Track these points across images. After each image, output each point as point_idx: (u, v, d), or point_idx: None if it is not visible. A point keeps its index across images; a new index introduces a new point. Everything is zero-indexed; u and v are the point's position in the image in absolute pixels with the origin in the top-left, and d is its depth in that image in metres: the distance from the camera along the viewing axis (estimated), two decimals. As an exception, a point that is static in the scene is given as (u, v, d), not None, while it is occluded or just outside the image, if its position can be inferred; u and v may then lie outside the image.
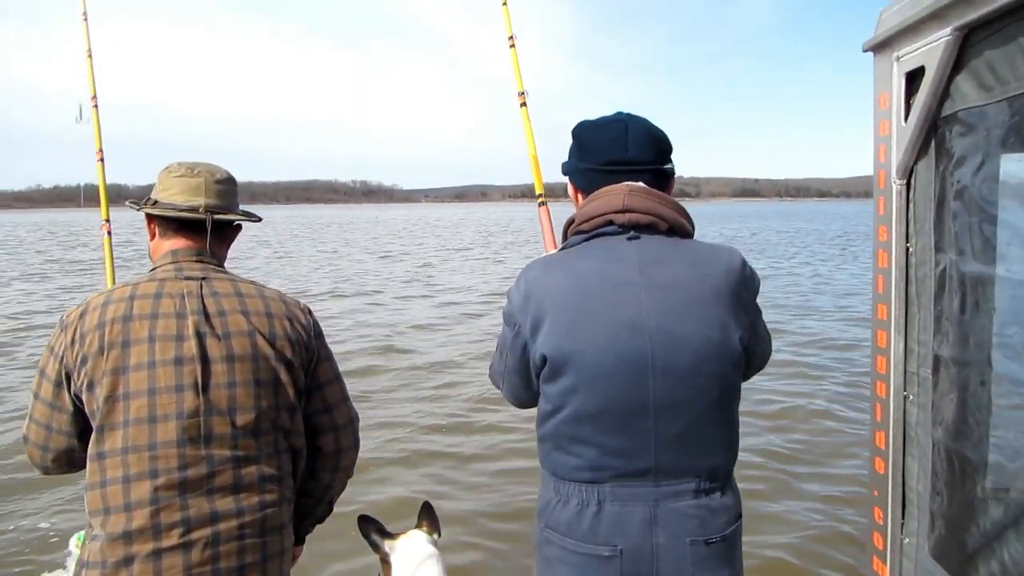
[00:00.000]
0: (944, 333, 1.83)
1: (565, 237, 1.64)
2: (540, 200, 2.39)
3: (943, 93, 1.80)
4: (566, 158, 1.70)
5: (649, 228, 1.51)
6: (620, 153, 1.55)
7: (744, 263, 1.56)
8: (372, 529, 2.17)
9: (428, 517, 2.31)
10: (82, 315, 1.66)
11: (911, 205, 1.93)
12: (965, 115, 1.77)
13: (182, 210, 1.77)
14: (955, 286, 1.80)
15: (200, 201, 1.78)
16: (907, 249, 1.94)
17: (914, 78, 1.89)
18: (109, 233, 2.84)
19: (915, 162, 1.90)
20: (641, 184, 1.54)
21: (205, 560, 1.55)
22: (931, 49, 1.78)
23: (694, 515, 1.48)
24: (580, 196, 1.65)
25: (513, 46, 2.68)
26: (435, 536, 2.22)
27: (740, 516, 1.57)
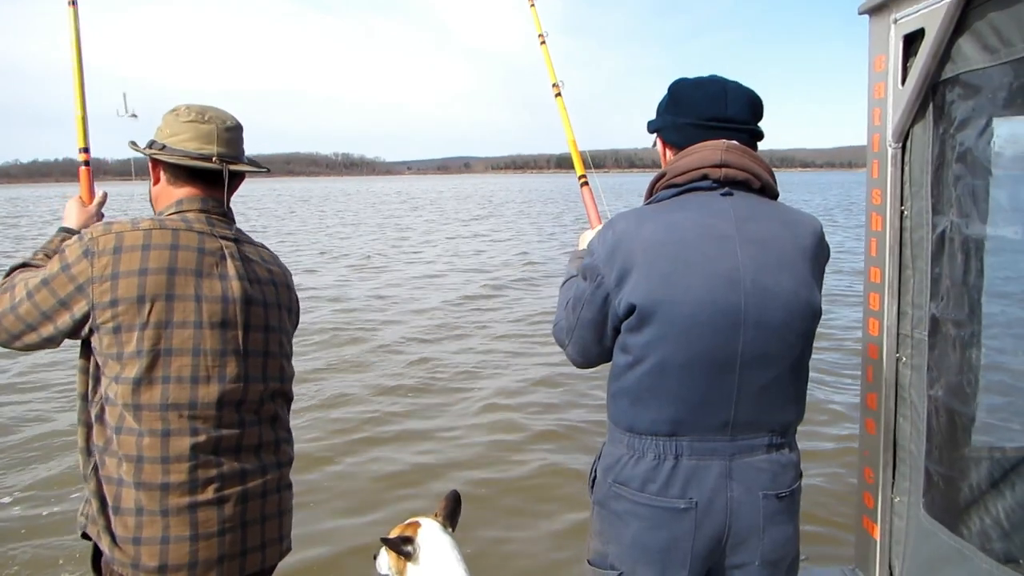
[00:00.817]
0: (943, 295, 1.85)
1: (651, 192, 1.64)
2: (583, 181, 2.47)
3: (944, 55, 1.79)
4: (653, 116, 1.71)
5: (743, 185, 1.53)
6: (720, 110, 1.56)
7: (823, 233, 1.59)
8: (397, 542, 2.10)
9: (450, 508, 2.26)
10: (116, 250, 1.58)
11: (906, 168, 1.93)
12: (967, 77, 1.76)
13: (195, 158, 1.74)
14: (956, 248, 1.81)
15: (212, 149, 1.75)
16: (901, 212, 1.95)
17: (912, 40, 1.88)
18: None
19: (911, 125, 1.90)
20: (736, 142, 1.55)
21: (236, 515, 1.63)
22: (932, 11, 1.77)
23: (767, 469, 1.51)
24: (670, 152, 1.66)
25: (544, 43, 2.74)
26: (449, 529, 2.16)
27: (801, 474, 1.60)
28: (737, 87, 1.59)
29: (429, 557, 2.02)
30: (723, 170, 1.51)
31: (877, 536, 2.06)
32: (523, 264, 16.07)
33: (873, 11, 1.98)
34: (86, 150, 2.08)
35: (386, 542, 2.06)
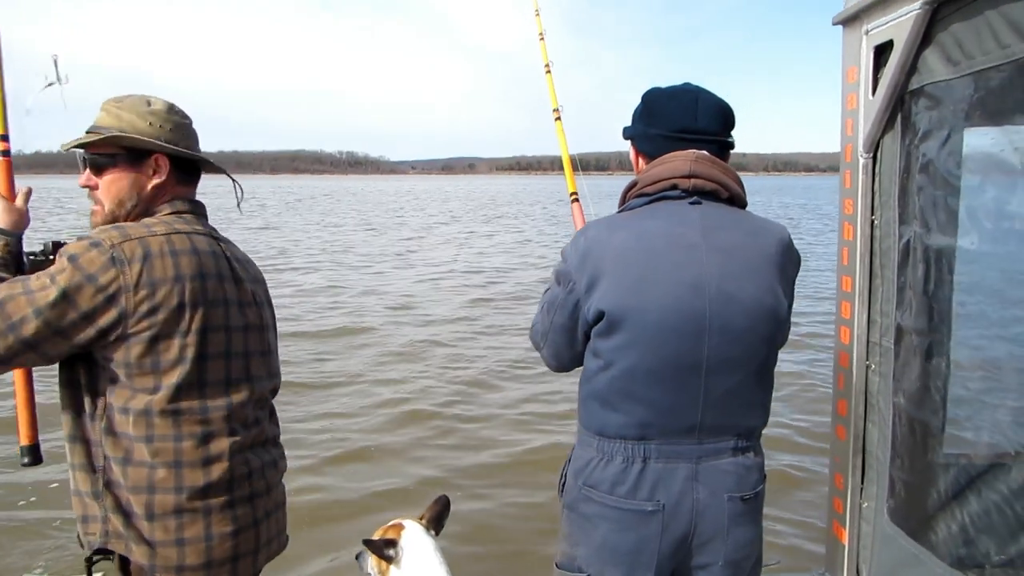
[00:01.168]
0: (907, 304, 1.88)
1: (623, 200, 1.68)
2: (574, 197, 2.61)
3: (911, 67, 1.81)
4: (629, 123, 1.75)
5: (711, 195, 1.57)
6: (690, 122, 1.60)
7: (791, 240, 1.62)
8: (380, 545, 2.09)
9: (437, 512, 2.23)
10: (145, 257, 1.52)
11: (877, 179, 1.96)
12: (932, 89, 1.79)
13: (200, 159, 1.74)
14: (918, 258, 1.84)
15: (199, 149, 1.75)
16: (872, 222, 1.97)
17: (882, 52, 1.91)
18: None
19: (881, 136, 1.93)
20: (706, 152, 1.59)
21: (262, 508, 1.72)
22: (900, 23, 1.80)
23: (732, 472, 1.55)
24: (643, 160, 1.70)
25: (549, 72, 2.90)
26: (432, 532, 2.15)
27: (766, 477, 1.63)
28: (709, 99, 1.63)
29: (411, 561, 2.03)
30: (692, 180, 1.55)
31: (845, 541, 2.09)
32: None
33: (846, 22, 2.01)
34: (5, 138, 1.84)
35: (368, 544, 2.06)
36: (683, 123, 1.61)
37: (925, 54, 1.78)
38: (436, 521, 2.20)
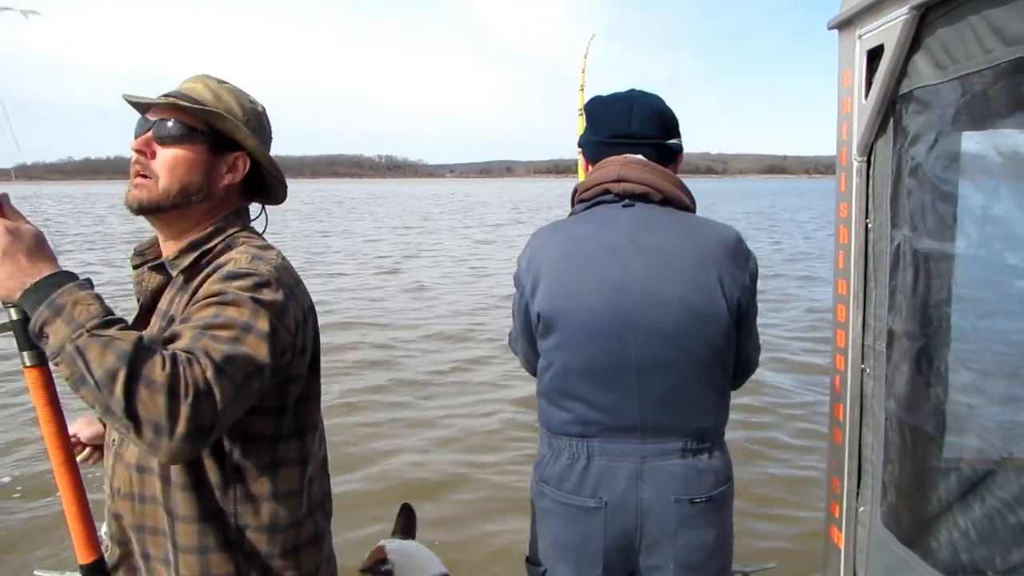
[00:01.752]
0: (897, 308, 1.87)
1: (573, 205, 1.72)
2: None
3: (901, 71, 1.82)
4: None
5: (643, 198, 1.59)
6: (624, 127, 1.64)
7: (739, 241, 1.62)
8: (375, 566, 2.20)
9: (404, 521, 2.36)
10: (297, 283, 1.37)
11: (870, 182, 1.96)
12: (920, 93, 1.79)
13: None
14: (908, 262, 1.84)
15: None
16: (866, 226, 1.97)
17: (875, 56, 1.91)
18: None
19: (875, 140, 1.93)
20: (639, 156, 1.62)
21: None
22: (890, 27, 1.80)
23: (680, 474, 1.55)
24: (590, 167, 1.74)
25: (582, 115, 3.05)
26: (409, 539, 2.30)
27: (729, 479, 1.62)
28: (644, 104, 1.66)
29: (405, 563, 2.16)
30: (621, 184, 1.59)
31: (842, 545, 2.09)
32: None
33: (841, 27, 2.02)
34: None
35: (366, 571, 2.19)
36: (617, 128, 1.65)
37: (914, 58, 1.78)
38: (407, 530, 2.34)
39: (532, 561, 1.69)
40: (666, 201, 1.61)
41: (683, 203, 1.63)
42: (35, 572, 2.12)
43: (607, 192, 1.60)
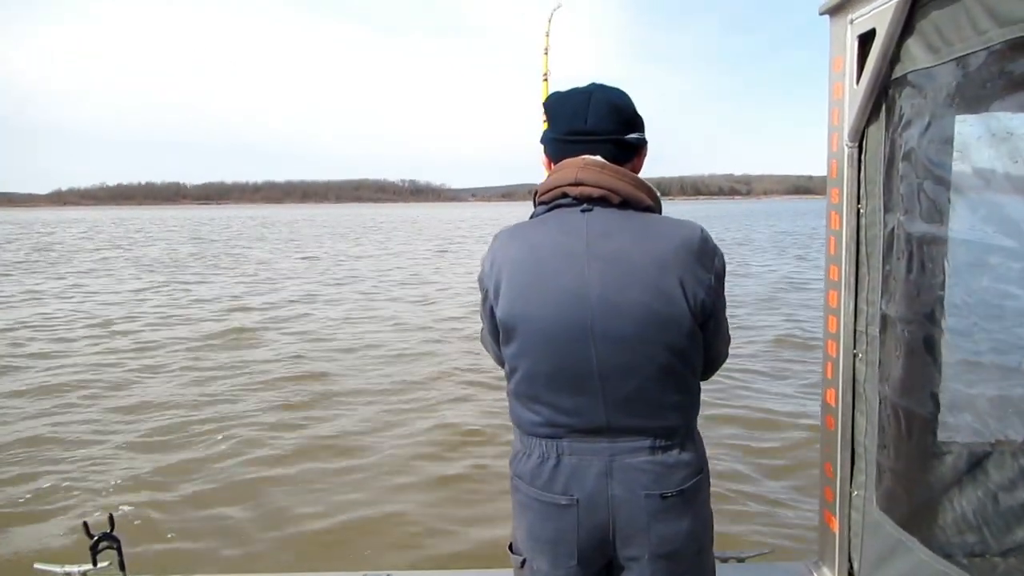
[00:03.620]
0: (891, 292, 1.87)
1: (535, 206, 1.69)
2: None
3: (893, 55, 1.82)
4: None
5: (601, 201, 1.55)
6: (580, 124, 1.59)
7: (703, 239, 1.56)
8: None
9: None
10: None
11: (862, 168, 1.96)
12: (914, 77, 1.79)
13: None
14: (902, 246, 1.83)
15: None
16: (858, 211, 1.97)
17: (867, 41, 1.92)
18: None
19: (866, 125, 1.93)
20: (597, 158, 1.58)
21: None
22: (882, 11, 1.81)
23: (649, 471, 1.53)
24: (551, 166, 1.70)
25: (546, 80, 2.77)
26: None
27: (702, 470, 1.61)
28: (601, 98, 1.61)
29: None
30: (579, 188, 1.55)
31: (836, 530, 2.07)
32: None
33: (832, 12, 2.03)
34: None
35: None
36: (573, 125, 1.61)
37: (907, 42, 1.78)
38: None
39: (513, 550, 1.70)
40: (626, 203, 1.56)
41: (643, 203, 1.58)
42: (35, 565, 2.14)
43: (565, 195, 1.57)
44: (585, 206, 1.55)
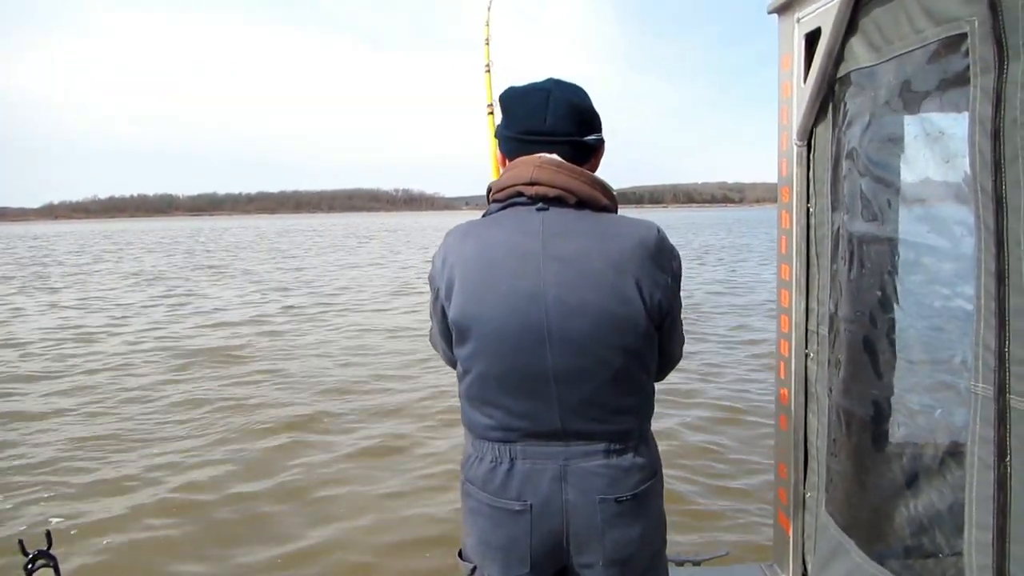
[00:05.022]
0: (837, 292, 1.85)
1: (489, 203, 1.65)
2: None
3: (838, 54, 1.81)
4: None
5: (557, 201, 1.53)
6: (538, 124, 1.55)
7: (659, 240, 1.54)
8: None
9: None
10: None
11: (811, 167, 1.95)
12: (856, 76, 1.78)
13: None
14: (844, 246, 1.82)
15: None
16: (808, 210, 1.96)
17: (813, 40, 1.91)
18: None
19: (814, 124, 1.92)
20: (553, 156, 1.55)
21: None
22: (827, 10, 1.80)
23: (604, 474, 1.50)
24: (506, 162, 1.66)
25: (488, 72, 2.81)
26: None
27: (656, 473, 1.58)
28: (560, 98, 1.58)
29: None
30: (535, 188, 1.52)
31: (791, 532, 2.05)
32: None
33: (780, 10, 2.02)
34: None
35: None
36: (530, 125, 1.57)
37: (851, 41, 1.78)
38: None
39: (463, 557, 1.67)
40: (582, 203, 1.54)
41: (600, 203, 1.55)
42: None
43: (520, 195, 1.54)
44: (541, 205, 1.53)
